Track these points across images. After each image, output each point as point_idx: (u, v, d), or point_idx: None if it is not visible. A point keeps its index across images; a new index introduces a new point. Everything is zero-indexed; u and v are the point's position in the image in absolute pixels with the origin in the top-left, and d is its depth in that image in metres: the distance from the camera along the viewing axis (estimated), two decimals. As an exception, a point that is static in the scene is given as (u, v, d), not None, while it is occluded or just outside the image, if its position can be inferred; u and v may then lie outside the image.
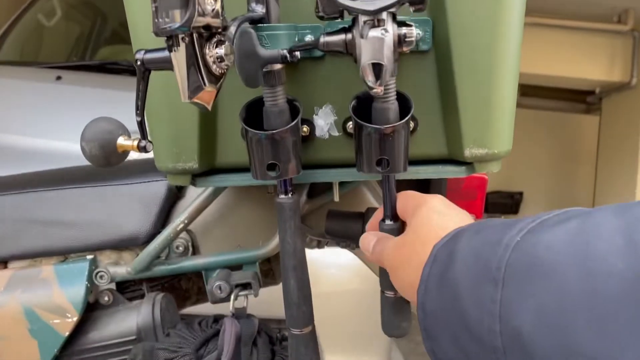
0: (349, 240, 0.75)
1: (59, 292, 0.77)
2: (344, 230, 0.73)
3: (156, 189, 0.80)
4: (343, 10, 0.42)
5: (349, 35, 0.45)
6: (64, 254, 0.81)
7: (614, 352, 0.29)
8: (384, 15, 0.41)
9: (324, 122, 0.60)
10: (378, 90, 0.44)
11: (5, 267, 0.83)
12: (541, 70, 5.52)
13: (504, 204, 6.82)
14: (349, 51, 0.45)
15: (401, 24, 0.43)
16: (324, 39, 0.46)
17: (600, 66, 5.45)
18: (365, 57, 0.42)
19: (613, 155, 5.82)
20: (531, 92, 6.83)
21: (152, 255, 0.76)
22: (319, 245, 0.82)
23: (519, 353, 0.34)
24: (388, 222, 0.59)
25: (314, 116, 0.60)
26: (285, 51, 0.49)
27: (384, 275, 0.61)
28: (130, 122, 0.59)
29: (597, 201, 6.12)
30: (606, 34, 5.38)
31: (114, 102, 1.95)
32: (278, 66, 0.52)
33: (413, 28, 0.43)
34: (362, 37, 0.42)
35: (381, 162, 0.54)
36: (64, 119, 1.86)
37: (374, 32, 0.41)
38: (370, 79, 0.42)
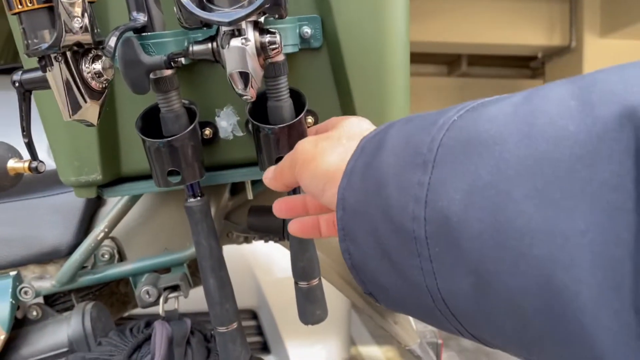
0: (271, 234, 0.76)
1: (-17, 312, 0.75)
2: (265, 224, 0.74)
3: (75, 199, 0.79)
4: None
5: (215, 44, 0.45)
6: (-15, 272, 0.80)
7: (557, 221, 0.25)
8: (244, 24, 0.42)
9: (227, 123, 0.60)
10: (248, 96, 0.44)
11: None
12: (484, 40, 5.62)
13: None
14: (216, 59, 0.46)
15: (264, 31, 0.44)
16: (192, 47, 0.46)
17: (540, 31, 5.58)
18: (230, 66, 0.42)
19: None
20: (476, 61, 6.95)
21: (75, 267, 0.75)
22: (247, 240, 0.83)
23: (444, 241, 0.29)
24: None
25: (216, 118, 0.60)
26: (166, 57, 0.49)
27: (295, 266, 0.63)
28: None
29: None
30: (544, -1, 5.51)
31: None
32: (168, 72, 0.51)
33: (277, 35, 0.44)
34: (222, 47, 0.43)
35: (281, 159, 0.54)
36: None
37: (235, 42, 0.42)
38: (239, 86, 0.43)
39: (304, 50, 0.56)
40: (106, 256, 0.79)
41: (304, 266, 0.62)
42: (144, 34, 0.50)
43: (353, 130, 0.42)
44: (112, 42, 0.46)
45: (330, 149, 0.41)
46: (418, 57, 6.87)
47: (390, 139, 0.36)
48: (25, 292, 0.77)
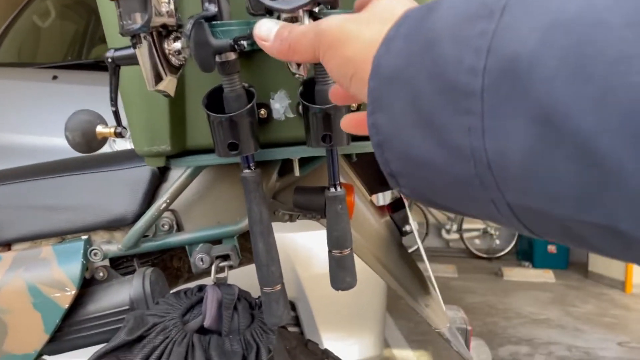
0: (314, 212, 0.83)
1: (57, 270, 0.86)
2: (309, 203, 0.81)
3: (141, 174, 0.88)
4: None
5: None
6: (61, 235, 0.90)
7: None
8: (300, 12, 0.49)
9: (280, 105, 0.68)
10: (301, 74, 0.52)
11: (9, 249, 0.91)
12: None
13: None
14: None
15: (318, 19, 0.51)
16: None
17: None
18: (288, 48, 0.50)
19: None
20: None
21: (139, 233, 0.84)
22: (291, 218, 0.90)
23: (506, 91, 0.27)
24: (332, 190, 0.67)
25: (271, 100, 0.68)
26: (231, 40, 0.57)
27: (330, 236, 0.70)
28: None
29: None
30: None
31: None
32: (232, 56, 0.60)
33: None
34: (283, 32, 0.50)
35: (325, 137, 0.62)
36: (60, 116, 1.96)
37: (294, 27, 0.49)
38: (293, 66, 0.51)
39: (350, 42, 0.64)
40: (166, 226, 0.88)
41: (338, 236, 0.69)
42: (214, 22, 0.58)
43: (386, 11, 0.39)
44: (188, 26, 0.55)
45: (358, 33, 0.38)
46: None
47: (445, 1, 0.33)
48: (95, 254, 0.87)
